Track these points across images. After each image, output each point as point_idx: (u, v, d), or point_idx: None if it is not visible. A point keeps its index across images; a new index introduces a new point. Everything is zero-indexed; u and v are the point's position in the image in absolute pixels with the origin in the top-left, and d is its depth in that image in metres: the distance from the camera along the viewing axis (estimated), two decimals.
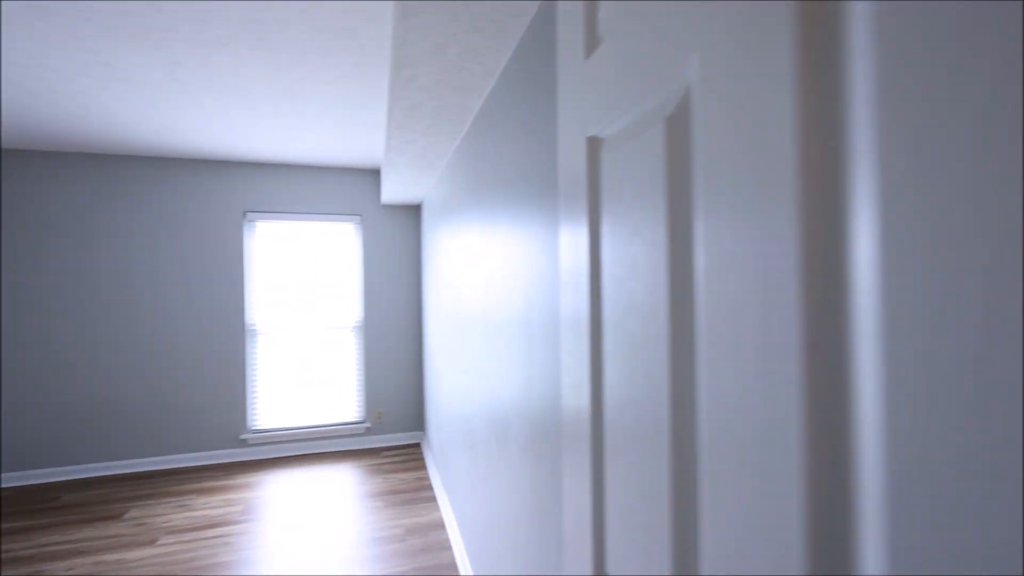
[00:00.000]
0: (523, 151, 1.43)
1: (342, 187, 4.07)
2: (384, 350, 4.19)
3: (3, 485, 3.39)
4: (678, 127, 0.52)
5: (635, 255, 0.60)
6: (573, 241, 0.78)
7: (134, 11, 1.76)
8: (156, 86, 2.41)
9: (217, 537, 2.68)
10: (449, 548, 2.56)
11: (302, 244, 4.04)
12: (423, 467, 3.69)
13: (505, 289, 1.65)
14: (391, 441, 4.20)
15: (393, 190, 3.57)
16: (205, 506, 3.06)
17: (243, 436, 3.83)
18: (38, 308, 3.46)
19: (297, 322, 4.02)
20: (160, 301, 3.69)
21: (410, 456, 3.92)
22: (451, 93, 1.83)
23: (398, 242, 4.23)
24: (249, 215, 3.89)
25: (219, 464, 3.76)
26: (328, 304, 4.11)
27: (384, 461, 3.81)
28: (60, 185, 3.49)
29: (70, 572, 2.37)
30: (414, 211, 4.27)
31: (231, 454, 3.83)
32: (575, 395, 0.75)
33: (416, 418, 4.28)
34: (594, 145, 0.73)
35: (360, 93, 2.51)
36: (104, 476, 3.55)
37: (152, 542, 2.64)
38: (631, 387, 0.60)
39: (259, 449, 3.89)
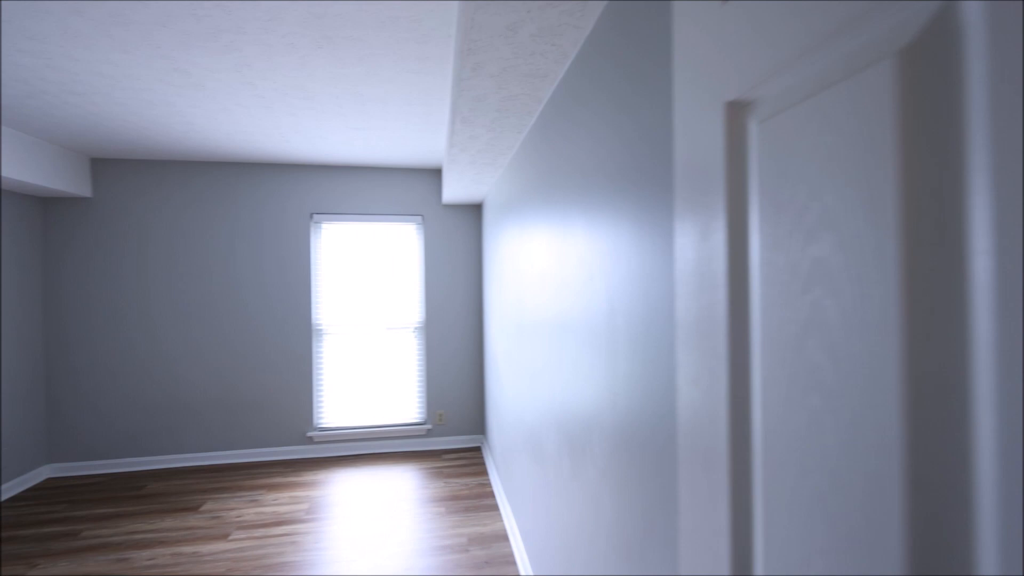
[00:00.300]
0: (605, 138, 1.26)
1: (403, 187, 4.06)
2: (445, 351, 4.14)
3: (98, 472, 3.65)
4: (925, 61, 0.34)
5: (820, 256, 0.43)
6: (699, 237, 0.62)
7: (205, 14, 1.75)
8: (228, 90, 2.44)
9: (285, 536, 2.71)
10: (513, 563, 2.43)
11: (365, 245, 4.07)
12: (484, 472, 3.60)
13: (581, 290, 1.49)
14: (452, 444, 4.15)
15: (454, 189, 3.50)
16: (274, 502, 3.12)
17: (309, 433, 3.91)
18: (126, 309, 3.68)
19: (361, 322, 4.05)
20: (234, 301, 3.83)
21: (471, 460, 3.84)
22: (519, 81, 1.69)
23: (458, 242, 4.17)
24: (315, 216, 3.96)
25: (287, 460, 3.86)
26: (390, 305, 4.11)
27: (445, 464, 3.76)
28: (146, 192, 3.70)
29: (151, 562, 2.46)
30: (474, 211, 4.19)
31: (298, 451, 3.92)
32: (707, 417, 0.58)
33: (477, 421, 4.20)
34: (737, 112, 0.56)
35: (423, 91, 2.44)
36: (185, 467, 3.73)
37: (225, 536, 2.70)
38: (809, 427, 0.43)
39: (324, 447, 3.95)
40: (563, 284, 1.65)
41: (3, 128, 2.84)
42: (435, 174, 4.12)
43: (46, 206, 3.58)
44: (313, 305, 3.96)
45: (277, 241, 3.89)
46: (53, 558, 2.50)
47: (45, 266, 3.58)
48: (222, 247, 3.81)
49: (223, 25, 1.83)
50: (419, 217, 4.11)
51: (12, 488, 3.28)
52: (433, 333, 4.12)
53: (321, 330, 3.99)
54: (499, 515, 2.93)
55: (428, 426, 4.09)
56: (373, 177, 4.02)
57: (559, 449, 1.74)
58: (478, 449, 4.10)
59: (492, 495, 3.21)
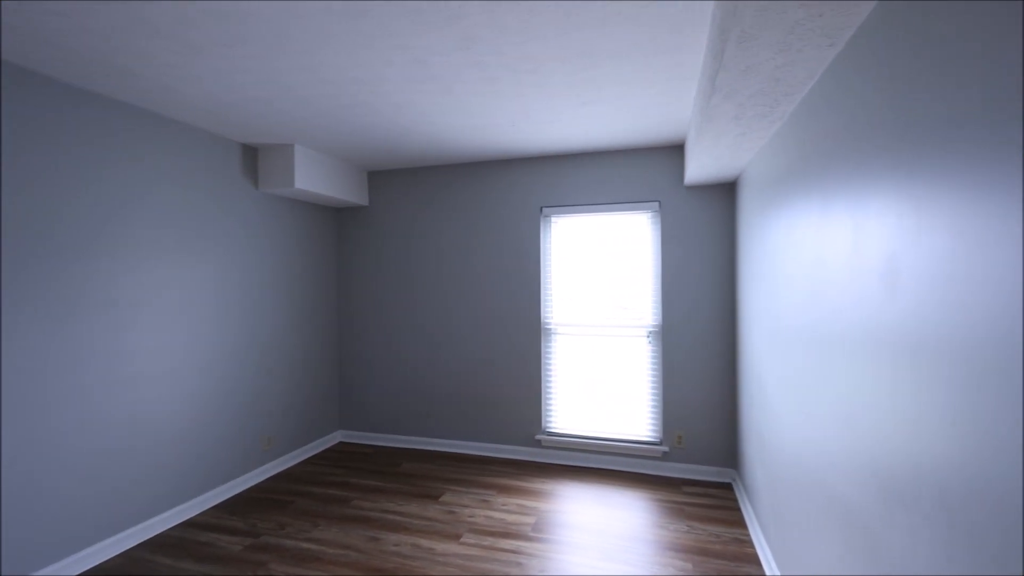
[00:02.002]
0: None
1: (638, 171, 3.49)
2: (684, 362, 3.41)
3: (371, 443, 4.18)
4: None
5: None
6: None
7: None
8: (459, 77, 2.30)
9: (510, 552, 2.47)
10: None
11: (595, 239, 3.65)
12: (740, 522, 2.75)
13: (945, 292, 0.66)
14: (694, 474, 3.39)
15: (703, 163, 2.75)
16: (503, 508, 2.95)
17: (538, 436, 3.70)
18: (393, 303, 4.11)
19: (590, 323, 3.65)
20: (467, 297, 3.90)
21: (720, 500, 3.03)
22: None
23: (703, 230, 3.37)
24: (545, 211, 3.73)
25: (516, 461, 3.73)
26: (621, 304, 3.60)
27: (686, 500, 3.04)
28: (401, 198, 4.07)
29: (396, 549, 2.52)
30: (725, 191, 3.32)
31: (526, 452, 3.76)
32: None
33: (726, 451, 3.33)
34: None
35: (672, 27, 1.82)
36: (431, 451, 3.97)
37: (457, 538, 2.62)
38: None
39: (552, 453, 3.70)
40: (904, 283, 0.83)
41: (304, 150, 3.39)
42: (675, 152, 3.41)
43: (338, 214, 4.27)
44: (543, 303, 3.74)
45: (507, 237, 3.80)
46: (329, 522, 2.81)
47: (339, 266, 4.28)
48: (459, 245, 3.92)
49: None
50: (655, 204, 3.47)
51: (316, 447, 3.99)
52: (670, 339, 3.43)
53: (551, 330, 3.75)
54: None
55: (664, 448, 3.42)
56: (604, 162, 3.56)
57: (894, 522, 0.92)
58: (728, 487, 3.23)
59: (756, 558, 2.37)
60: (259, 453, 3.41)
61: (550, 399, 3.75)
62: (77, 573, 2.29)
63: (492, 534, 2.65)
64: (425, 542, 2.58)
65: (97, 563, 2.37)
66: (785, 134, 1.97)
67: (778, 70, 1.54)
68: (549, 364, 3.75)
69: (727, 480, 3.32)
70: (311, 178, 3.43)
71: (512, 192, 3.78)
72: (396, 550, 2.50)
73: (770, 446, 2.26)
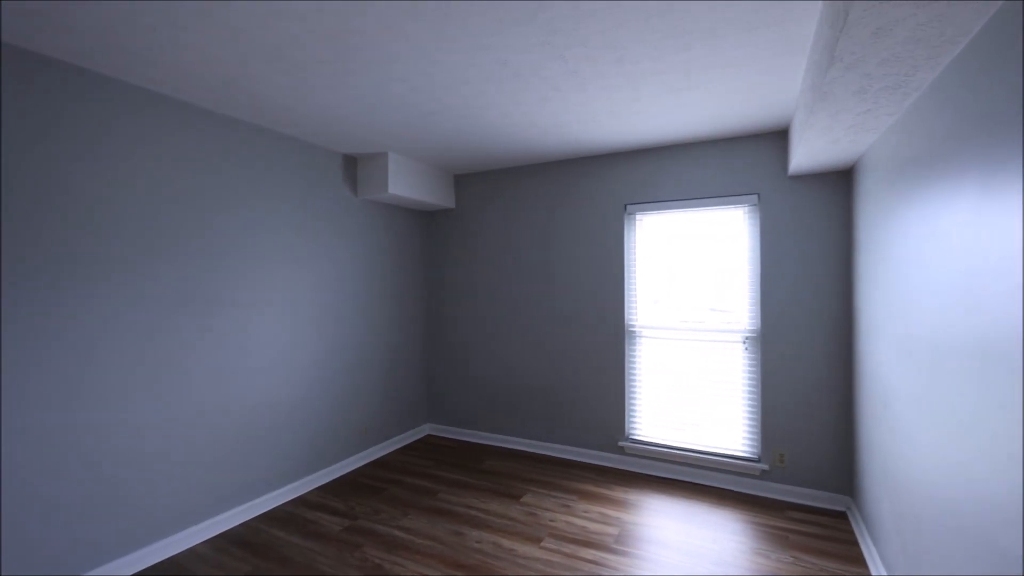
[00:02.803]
0: None
1: (732, 161, 3.17)
2: (787, 372, 3.03)
3: (456, 437, 4.26)
4: None
5: None
6: None
7: None
8: (541, 74, 2.22)
9: (592, 563, 2.34)
10: None
11: (683, 237, 3.38)
12: (858, 558, 2.37)
13: None
14: (798, 497, 2.99)
15: (814, 147, 2.40)
16: (585, 515, 2.83)
17: (621, 443, 3.52)
18: (479, 302, 4.16)
19: (677, 326, 3.39)
20: (550, 298, 3.81)
21: (832, 531, 2.64)
22: None
23: (810, 224, 2.96)
24: (629, 208, 3.53)
25: (598, 466, 3.58)
26: (712, 307, 3.29)
27: (791, 526, 2.69)
28: (485, 199, 4.09)
29: (478, 546, 2.51)
30: (839, 179, 2.89)
31: (608, 458, 3.59)
32: None
33: (840, 475, 2.90)
34: None
35: (771, 5, 1.59)
36: (512, 450, 3.95)
37: (538, 541, 2.55)
38: None
39: (635, 461, 3.49)
40: None
41: (396, 156, 3.53)
42: (776, 139, 3.04)
43: (426, 217, 4.42)
44: (627, 305, 3.55)
45: (590, 237, 3.65)
46: (418, 512, 2.89)
47: (427, 267, 4.42)
48: (541, 245, 3.85)
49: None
50: (753, 197, 3.12)
51: (406, 438, 4.16)
52: (771, 346, 3.07)
53: (635, 332, 3.54)
54: None
55: (763, 466, 3.07)
56: (694, 154, 3.28)
57: None
58: (843, 517, 2.80)
59: None
60: (357, 440, 3.62)
61: (634, 404, 3.54)
62: (210, 536, 2.57)
63: (573, 542, 2.54)
64: (506, 542, 2.54)
65: (224, 529, 2.65)
66: (925, 107, 1.63)
67: (919, 28, 1.26)
68: (633, 368, 3.54)
69: (840, 508, 2.88)
70: (403, 183, 3.56)
71: (595, 190, 3.63)
72: (478, 547, 2.49)
73: (900, 476, 1.89)
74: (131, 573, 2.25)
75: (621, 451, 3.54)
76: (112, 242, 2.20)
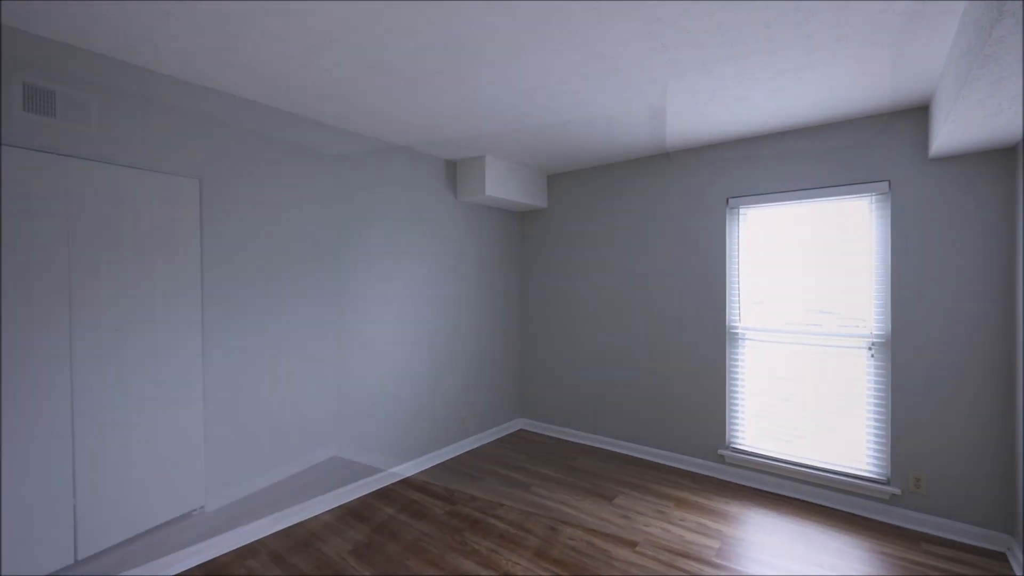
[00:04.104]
0: None
1: (854, 146, 2.78)
2: (927, 384, 2.59)
3: (547, 434, 4.27)
4: None
5: None
6: None
7: None
8: (640, 67, 2.13)
9: (689, 573, 2.21)
10: None
11: (794, 232, 3.05)
12: None
13: None
14: (939, 529, 2.56)
15: (966, 125, 2.02)
16: (681, 523, 2.68)
17: (721, 451, 3.27)
18: (571, 301, 4.13)
19: (788, 328, 3.07)
20: (646, 297, 3.65)
21: (984, 572, 2.21)
22: None
23: (956, 213, 2.50)
24: (731, 201, 3.26)
25: (694, 474, 3.36)
26: (829, 309, 2.93)
27: (929, 561, 2.30)
28: (578, 198, 4.03)
29: (571, 543, 2.49)
30: (997, 159, 2.40)
31: (707, 467, 3.36)
32: None
33: (996, 508, 2.42)
34: None
35: None
36: (604, 450, 3.86)
37: (633, 545, 2.46)
38: None
39: (737, 471, 3.22)
40: None
41: (493, 159, 3.61)
42: (912, 116, 2.61)
43: (521, 217, 4.47)
44: (729, 305, 3.29)
45: (689, 233, 3.44)
46: (513, 503, 2.94)
47: (521, 266, 4.47)
48: (637, 243, 3.70)
49: None
50: (881, 184, 2.71)
51: (501, 431, 4.25)
52: (904, 354, 2.65)
53: (738, 335, 3.27)
54: None
55: (894, 490, 2.66)
56: (806, 139, 2.94)
57: None
58: (1001, 559, 2.34)
59: None
60: (457, 429, 3.78)
61: (736, 411, 3.27)
62: (333, 506, 2.85)
63: (670, 550, 2.42)
64: (600, 543, 2.49)
65: (344, 502, 2.92)
66: None
67: None
68: (736, 373, 3.27)
69: (998, 548, 2.41)
70: (499, 185, 3.64)
71: (693, 183, 3.41)
72: (572, 544, 2.47)
73: None
74: (274, 530, 2.57)
75: (721, 459, 3.30)
76: (282, 249, 2.53)
